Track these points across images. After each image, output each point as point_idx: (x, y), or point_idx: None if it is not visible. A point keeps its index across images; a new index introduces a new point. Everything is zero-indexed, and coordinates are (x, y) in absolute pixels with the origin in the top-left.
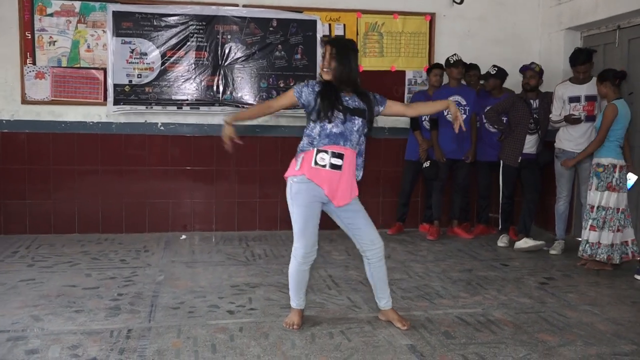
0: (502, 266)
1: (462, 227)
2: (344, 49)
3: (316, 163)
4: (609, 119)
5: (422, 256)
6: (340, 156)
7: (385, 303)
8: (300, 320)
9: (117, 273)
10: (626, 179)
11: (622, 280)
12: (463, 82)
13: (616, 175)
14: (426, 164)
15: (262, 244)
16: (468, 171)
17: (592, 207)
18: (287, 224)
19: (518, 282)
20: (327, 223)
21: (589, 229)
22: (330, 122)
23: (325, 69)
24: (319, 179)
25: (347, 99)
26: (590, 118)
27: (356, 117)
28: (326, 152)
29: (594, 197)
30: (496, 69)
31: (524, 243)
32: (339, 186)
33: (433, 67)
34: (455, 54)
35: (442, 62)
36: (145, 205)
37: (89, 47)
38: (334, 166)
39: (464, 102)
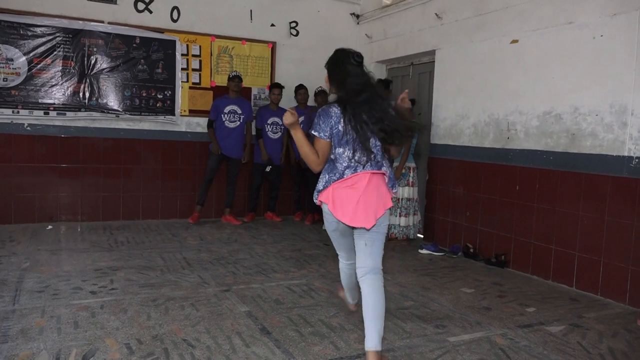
0: (325, 246)
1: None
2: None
3: None
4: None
5: (262, 239)
6: None
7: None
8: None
9: None
10: (417, 177)
11: (411, 253)
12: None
13: (411, 174)
14: (268, 169)
15: (125, 232)
16: (237, 168)
17: (399, 199)
18: (148, 214)
19: (335, 258)
20: (187, 213)
21: (400, 216)
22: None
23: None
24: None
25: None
26: None
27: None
28: None
29: (399, 192)
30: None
31: None
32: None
33: (273, 87)
34: (234, 71)
35: (282, 82)
36: (11, 198)
37: None
38: None
39: (239, 111)
